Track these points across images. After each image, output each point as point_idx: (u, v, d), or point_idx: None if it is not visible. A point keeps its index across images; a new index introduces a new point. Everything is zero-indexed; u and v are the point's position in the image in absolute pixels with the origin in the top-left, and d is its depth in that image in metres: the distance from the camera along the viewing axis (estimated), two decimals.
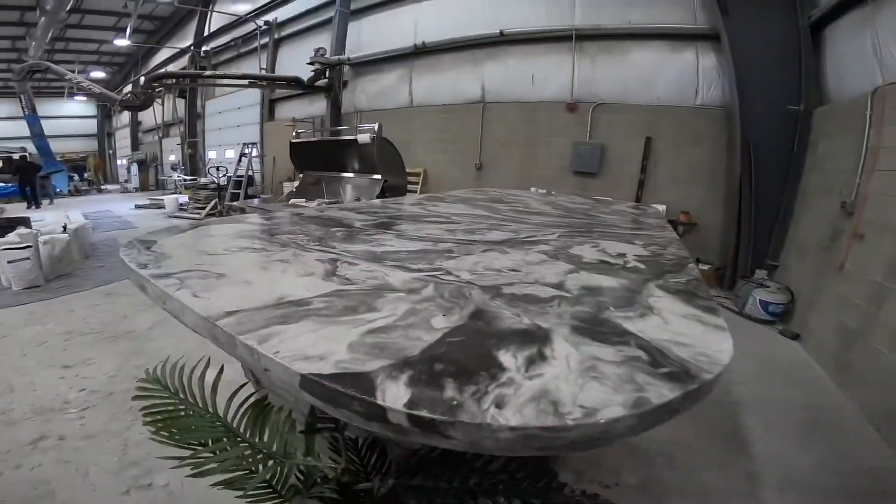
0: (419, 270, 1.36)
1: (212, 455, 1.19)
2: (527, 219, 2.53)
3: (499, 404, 0.67)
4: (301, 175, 8.72)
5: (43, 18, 14.27)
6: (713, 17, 6.33)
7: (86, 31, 18.77)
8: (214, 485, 1.14)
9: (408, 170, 10.06)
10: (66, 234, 6.42)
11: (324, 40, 11.28)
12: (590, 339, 0.90)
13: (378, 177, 7.42)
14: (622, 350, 0.86)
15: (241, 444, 1.22)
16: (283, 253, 1.56)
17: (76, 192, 19.63)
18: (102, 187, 21.46)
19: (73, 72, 19.69)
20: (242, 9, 14.50)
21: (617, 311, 1.06)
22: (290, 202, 7.41)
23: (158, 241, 1.66)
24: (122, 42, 16.60)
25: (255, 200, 11.23)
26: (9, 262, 5.42)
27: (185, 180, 15.95)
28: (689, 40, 6.82)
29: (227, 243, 1.68)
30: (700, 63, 6.79)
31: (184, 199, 13.93)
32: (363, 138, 7.62)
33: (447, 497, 1.10)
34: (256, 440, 1.24)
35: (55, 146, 24.17)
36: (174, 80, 13.71)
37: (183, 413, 1.34)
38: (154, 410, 1.35)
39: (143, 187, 19.93)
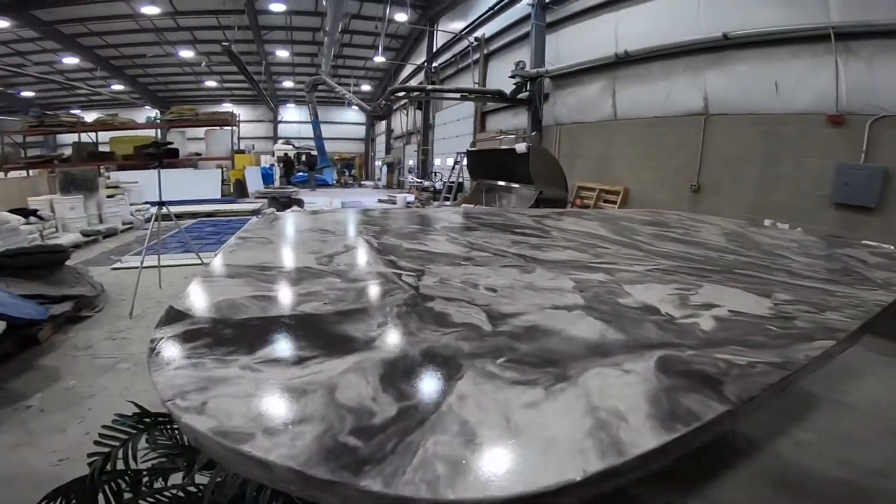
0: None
1: None
2: (656, 247, 1.83)
3: None
4: (475, 183, 8.71)
5: (326, 38, 17.62)
6: None
7: (355, 50, 22.64)
8: None
9: (605, 187, 8.98)
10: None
11: (526, 54, 10.77)
12: None
13: (532, 187, 6.78)
14: None
15: None
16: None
17: (343, 185, 24.52)
18: (362, 183, 26.10)
19: (348, 85, 24.30)
20: (459, 27, 15.04)
21: None
22: (461, 206, 7.51)
23: None
24: (378, 59, 19.49)
25: (447, 203, 11.88)
26: None
27: (414, 182, 18.02)
28: None
29: None
30: None
31: (411, 198, 15.70)
32: (520, 147, 7.12)
33: None
34: None
35: (332, 147, 30.63)
36: (404, 94, 15.37)
37: None
38: None
39: (389, 185, 23.32)
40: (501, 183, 7.99)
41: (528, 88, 10.60)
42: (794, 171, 6.10)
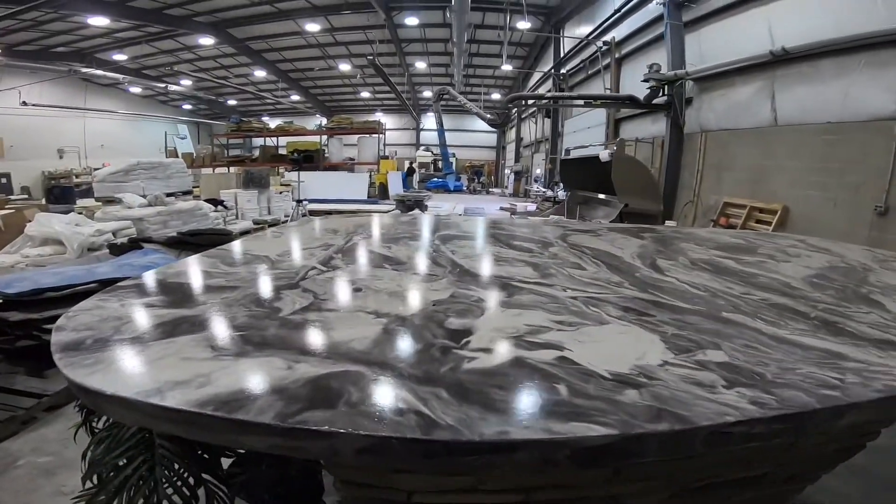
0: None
1: None
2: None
3: None
4: (569, 193, 8.12)
5: (454, 49, 18.31)
6: None
7: (484, 59, 23.01)
8: None
9: (758, 205, 7.70)
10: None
11: (662, 56, 9.78)
12: None
13: (615, 200, 6.02)
14: None
15: None
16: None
17: (472, 192, 25.08)
18: (490, 190, 26.37)
19: (479, 94, 24.90)
20: (585, 31, 14.29)
21: None
22: (549, 217, 7.11)
23: None
24: (505, 67, 19.60)
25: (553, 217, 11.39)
26: None
27: (539, 191, 17.61)
28: None
29: None
30: None
31: (532, 206, 15.41)
32: (604, 155, 6.33)
33: None
34: None
35: (463, 154, 31.55)
36: (532, 102, 15.09)
37: None
38: None
39: (515, 193, 23.18)
40: (591, 194, 7.34)
41: (665, 93, 9.60)
42: None
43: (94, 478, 1.23)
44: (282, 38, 20.48)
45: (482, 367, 0.94)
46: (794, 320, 1.28)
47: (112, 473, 1.18)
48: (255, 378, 0.87)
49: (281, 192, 12.16)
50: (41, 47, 18.75)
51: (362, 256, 1.88)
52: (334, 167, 19.13)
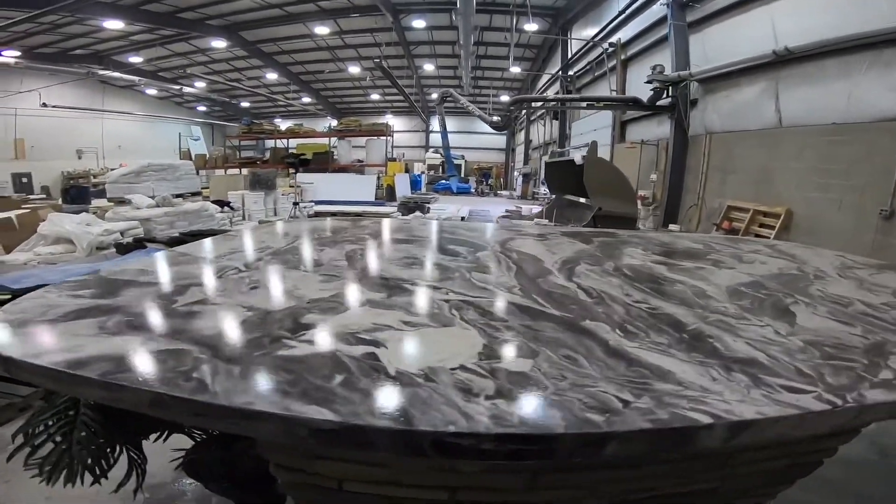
0: None
1: None
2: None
3: None
4: (554, 196, 8.06)
5: (462, 51, 18.28)
6: None
7: (492, 61, 22.99)
8: None
9: (762, 208, 7.55)
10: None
11: (668, 57, 9.66)
12: None
13: (586, 202, 5.95)
14: None
15: None
16: None
17: (480, 194, 25.02)
18: (498, 192, 26.28)
19: (487, 96, 24.85)
20: (592, 33, 14.18)
21: None
22: (534, 221, 7.08)
23: None
24: (513, 69, 19.52)
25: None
26: None
27: (546, 194, 17.49)
28: None
29: None
30: None
31: (538, 209, 15.28)
32: (578, 158, 6.26)
33: None
34: None
35: (473, 156, 31.50)
36: (528, 104, 14.97)
37: None
38: None
39: (524, 196, 23.07)
40: (573, 198, 7.27)
41: (669, 94, 9.48)
42: None
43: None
44: (292, 41, 20.69)
45: (290, 355, 1.03)
46: (663, 333, 1.22)
47: (39, 429, 1.32)
48: (112, 348, 1.04)
49: (288, 194, 12.25)
50: (60, 50, 19.20)
51: (289, 260, 1.95)
52: (343, 169, 19.26)
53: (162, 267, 1.82)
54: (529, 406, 0.87)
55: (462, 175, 28.04)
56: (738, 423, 0.84)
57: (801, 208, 7.04)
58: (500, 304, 1.43)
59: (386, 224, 2.92)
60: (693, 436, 0.83)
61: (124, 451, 1.43)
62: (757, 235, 7.25)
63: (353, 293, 1.51)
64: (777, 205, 7.38)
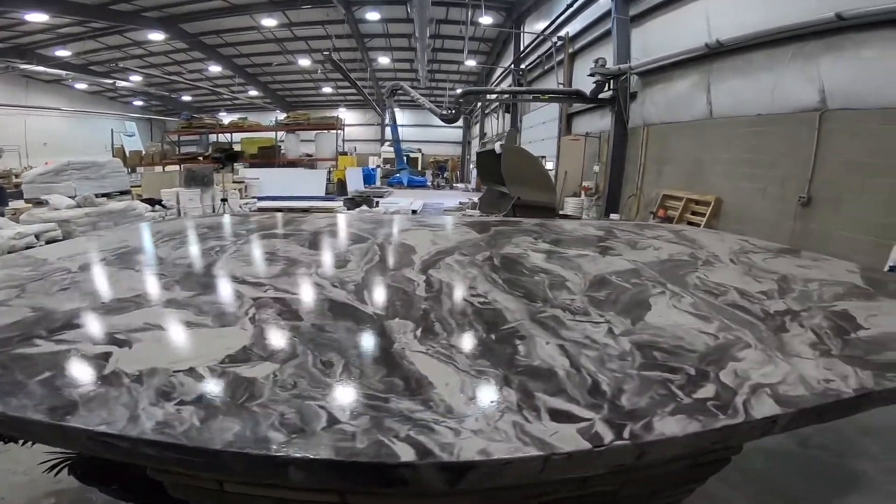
0: None
1: None
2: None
3: None
4: (485, 187, 8.10)
5: (418, 44, 17.91)
6: None
7: (448, 54, 22.71)
8: None
9: (694, 197, 7.77)
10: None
11: (611, 51, 9.79)
12: None
13: (505, 191, 6.03)
14: None
15: None
16: None
17: (436, 187, 24.86)
18: (454, 185, 26.24)
19: (443, 90, 24.58)
20: (544, 26, 14.26)
21: None
22: (464, 213, 7.07)
23: None
24: (469, 62, 19.37)
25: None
26: None
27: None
28: None
29: None
30: None
31: None
32: (497, 148, 6.33)
33: None
34: None
35: (429, 150, 31.22)
36: (478, 96, 14.81)
37: None
38: None
39: (478, 188, 23.10)
40: (499, 187, 7.30)
41: (610, 87, 9.63)
42: None
43: None
44: (237, 33, 19.61)
45: (24, 353, 1.01)
46: (471, 332, 1.13)
47: None
48: None
49: (229, 191, 11.61)
50: None
51: (134, 259, 1.83)
52: (292, 164, 18.53)
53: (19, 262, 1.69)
54: (213, 416, 0.77)
55: (420, 168, 27.73)
56: (449, 465, 0.67)
57: (730, 197, 7.30)
58: (310, 303, 1.32)
59: (284, 219, 2.67)
60: (388, 473, 0.69)
61: None
62: (689, 223, 7.47)
63: (162, 293, 1.40)
64: (708, 194, 7.63)
